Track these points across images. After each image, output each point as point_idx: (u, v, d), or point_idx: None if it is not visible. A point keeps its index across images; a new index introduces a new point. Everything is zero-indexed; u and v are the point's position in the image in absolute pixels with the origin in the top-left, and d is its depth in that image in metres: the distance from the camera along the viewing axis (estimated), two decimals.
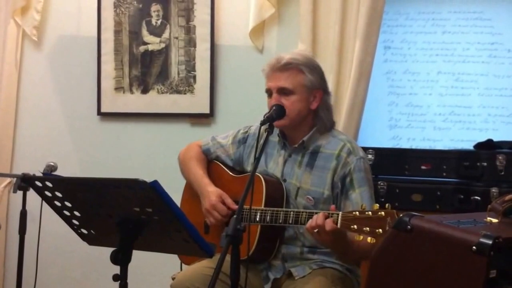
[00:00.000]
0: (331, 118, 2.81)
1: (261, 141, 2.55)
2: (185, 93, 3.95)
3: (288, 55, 2.72)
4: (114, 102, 4.03)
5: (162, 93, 3.98)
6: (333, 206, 2.50)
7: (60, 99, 4.16)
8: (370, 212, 2.32)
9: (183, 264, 2.97)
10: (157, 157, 4.01)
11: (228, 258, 2.05)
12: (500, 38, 3.81)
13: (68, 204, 2.11)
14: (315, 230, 2.42)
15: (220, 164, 2.96)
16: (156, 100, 3.99)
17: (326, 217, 2.42)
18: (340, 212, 2.42)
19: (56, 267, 4.17)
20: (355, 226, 2.34)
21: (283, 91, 2.70)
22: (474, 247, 1.43)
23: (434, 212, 3.37)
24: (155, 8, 3.96)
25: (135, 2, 3.97)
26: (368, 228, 2.30)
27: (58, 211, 2.16)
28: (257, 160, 2.36)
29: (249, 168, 2.88)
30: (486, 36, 3.84)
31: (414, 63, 3.92)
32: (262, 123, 2.58)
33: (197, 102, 3.94)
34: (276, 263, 2.74)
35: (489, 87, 3.84)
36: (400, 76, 3.94)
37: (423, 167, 3.50)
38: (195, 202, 2.86)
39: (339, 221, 2.40)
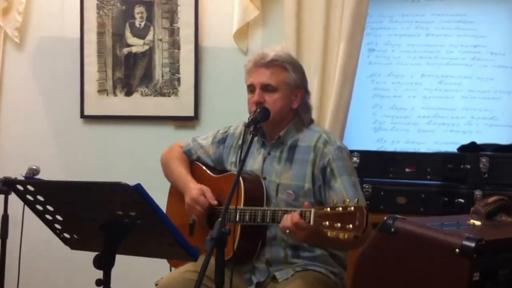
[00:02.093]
0: (309, 117, 2.81)
1: (245, 142, 2.54)
2: (169, 96, 3.93)
3: (272, 52, 2.72)
4: (97, 104, 4.00)
5: (146, 95, 3.96)
6: (306, 203, 2.48)
7: (42, 101, 4.13)
8: (340, 208, 2.29)
9: (172, 268, 2.95)
10: (141, 160, 3.98)
11: (212, 261, 2.04)
12: (483, 41, 3.82)
13: (50, 208, 2.08)
14: (287, 231, 2.42)
15: (201, 165, 2.95)
16: (140, 103, 3.97)
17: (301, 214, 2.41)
18: (312, 210, 2.39)
19: (38, 271, 4.13)
20: (327, 223, 2.31)
21: (267, 88, 2.69)
22: (457, 250, 1.42)
23: (419, 214, 3.36)
24: (138, 10, 3.94)
25: (118, 4, 3.95)
26: (339, 224, 2.26)
27: (40, 215, 2.13)
28: (242, 162, 2.34)
29: (229, 167, 2.88)
30: (469, 39, 3.84)
31: (398, 66, 3.91)
32: (247, 125, 2.57)
33: (182, 104, 3.92)
34: (260, 266, 2.72)
35: (472, 89, 3.84)
36: (384, 78, 3.94)
37: (407, 170, 3.49)
38: (180, 205, 2.85)
39: (311, 219, 2.37)
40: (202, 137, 3.03)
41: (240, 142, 2.83)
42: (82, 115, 4.03)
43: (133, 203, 1.91)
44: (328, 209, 2.34)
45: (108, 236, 2.00)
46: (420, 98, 3.90)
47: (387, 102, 3.92)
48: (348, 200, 2.34)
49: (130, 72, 3.97)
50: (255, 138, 2.79)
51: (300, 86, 2.76)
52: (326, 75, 3.64)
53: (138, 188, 1.86)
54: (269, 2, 3.82)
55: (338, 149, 2.69)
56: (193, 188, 2.78)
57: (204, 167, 2.93)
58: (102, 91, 3.99)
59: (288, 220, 2.41)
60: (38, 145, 4.13)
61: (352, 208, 2.27)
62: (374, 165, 3.56)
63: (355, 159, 3.53)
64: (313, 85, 3.51)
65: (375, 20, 3.92)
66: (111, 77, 3.97)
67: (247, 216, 2.60)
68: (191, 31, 3.87)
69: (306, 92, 2.80)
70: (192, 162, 2.99)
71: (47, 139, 4.13)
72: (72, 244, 2.23)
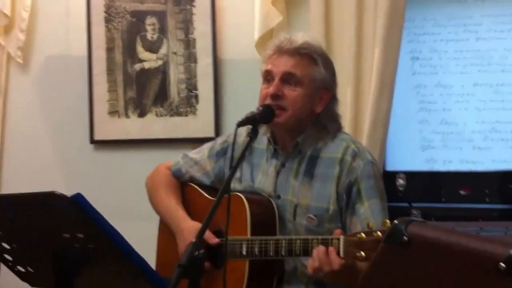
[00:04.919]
0: (335, 127, 2.33)
1: (236, 146, 2.11)
2: (186, 115, 3.59)
3: (302, 38, 2.26)
4: (108, 128, 3.67)
5: (161, 116, 3.61)
6: (338, 230, 2.02)
7: (49, 126, 3.84)
8: (379, 233, 1.83)
9: None
10: None
11: None
12: None
13: None
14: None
15: (196, 187, 2.47)
16: (155, 124, 3.62)
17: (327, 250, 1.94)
18: (342, 237, 1.93)
19: None
20: (363, 253, 1.86)
21: (288, 80, 2.22)
22: (502, 264, 0.95)
23: None
24: (150, 21, 3.61)
25: (128, 16, 3.63)
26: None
27: None
28: (233, 169, 1.90)
29: (232, 185, 2.35)
30: None
31: (446, 75, 3.53)
32: (240, 124, 2.13)
33: (201, 124, 3.56)
34: None
35: None
36: (431, 90, 3.54)
37: (462, 192, 3.20)
38: (173, 238, 2.38)
39: (341, 250, 1.91)
40: (195, 151, 2.57)
41: (246, 152, 2.38)
42: (92, 140, 3.71)
43: (76, 221, 1.48)
44: (363, 234, 1.88)
45: (59, 267, 1.57)
46: (473, 110, 3.50)
47: (436, 116, 3.53)
48: (388, 222, 1.88)
49: (143, 91, 3.63)
50: (264, 147, 2.36)
51: (328, 87, 2.28)
52: (360, 85, 3.25)
53: (78, 200, 1.43)
54: (293, 6, 3.46)
55: (369, 165, 2.22)
56: (187, 231, 2.28)
57: (199, 189, 2.45)
58: (113, 112, 3.66)
59: (321, 256, 1.94)
60: (45, 174, 3.83)
61: (379, 233, 1.83)
62: (423, 187, 3.31)
63: (400, 181, 3.22)
64: (346, 97, 3.15)
65: (417, 24, 3.55)
66: (123, 97, 3.65)
67: (256, 249, 2.12)
68: (209, 42, 3.53)
69: (333, 98, 2.31)
70: (185, 184, 2.51)
71: (54, 167, 3.82)
72: (30, 279, 1.82)
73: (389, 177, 3.16)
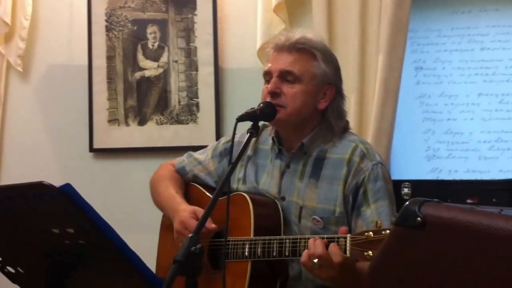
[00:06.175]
0: (341, 125, 2.26)
1: (236, 142, 2.06)
2: (187, 123, 3.52)
3: (299, 34, 2.20)
4: (108, 136, 3.60)
5: (162, 124, 3.55)
6: (344, 228, 1.96)
7: (49, 135, 3.77)
8: (388, 231, 1.77)
9: None
10: None
11: None
12: None
13: None
14: (315, 262, 1.87)
15: (199, 187, 2.42)
16: (155, 133, 3.56)
17: (326, 245, 1.88)
18: (348, 235, 1.87)
19: None
20: (371, 253, 1.79)
21: (286, 77, 2.16)
22: None
23: None
24: (151, 29, 3.57)
25: (129, 24, 3.58)
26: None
27: None
28: (232, 165, 1.84)
29: (236, 185, 2.33)
30: None
31: (450, 85, 3.48)
32: (240, 119, 2.08)
33: (202, 132, 3.50)
34: None
35: None
36: (436, 99, 3.50)
37: (469, 201, 3.06)
38: (172, 236, 2.33)
39: (347, 248, 1.85)
40: (200, 152, 2.53)
41: (250, 153, 2.33)
42: (91, 149, 3.64)
43: (67, 215, 1.41)
44: (371, 233, 1.83)
45: (50, 268, 1.48)
46: (479, 120, 3.46)
47: (440, 126, 3.49)
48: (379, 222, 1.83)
49: (143, 99, 3.57)
50: (269, 147, 2.30)
51: (332, 82, 2.21)
52: (365, 92, 3.21)
53: (67, 190, 1.36)
54: (296, 14, 3.42)
55: (377, 166, 2.15)
56: (184, 210, 2.20)
57: (202, 189, 2.39)
58: (113, 120, 3.60)
59: (318, 247, 1.88)
60: None
61: (388, 232, 1.76)
62: (429, 196, 3.08)
63: (405, 190, 3.11)
64: (350, 105, 3.08)
65: (421, 35, 3.52)
66: (123, 105, 3.59)
67: (259, 249, 2.05)
68: (210, 51, 3.48)
69: (338, 93, 2.24)
70: (188, 184, 2.46)
71: (53, 176, 3.66)
72: (20, 281, 1.74)
73: (394, 186, 3.09)
